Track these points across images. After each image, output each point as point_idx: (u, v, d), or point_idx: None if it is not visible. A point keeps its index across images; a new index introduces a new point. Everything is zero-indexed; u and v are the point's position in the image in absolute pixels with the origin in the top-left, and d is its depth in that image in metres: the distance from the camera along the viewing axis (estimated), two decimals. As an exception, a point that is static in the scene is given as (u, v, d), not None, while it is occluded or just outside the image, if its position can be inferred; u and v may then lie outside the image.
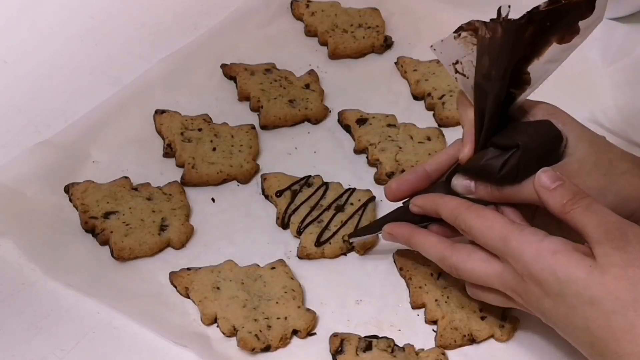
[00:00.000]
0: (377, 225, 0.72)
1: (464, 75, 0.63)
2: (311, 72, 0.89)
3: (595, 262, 0.56)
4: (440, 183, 0.68)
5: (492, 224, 0.61)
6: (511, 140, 0.63)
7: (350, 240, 0.74)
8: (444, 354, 0.68)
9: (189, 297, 0.69)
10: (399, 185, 0.69)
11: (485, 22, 0.61)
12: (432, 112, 0.88)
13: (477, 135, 0.65)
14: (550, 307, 0.58)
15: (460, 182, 0.66)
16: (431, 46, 0.63)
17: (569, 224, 0.59)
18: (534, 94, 0.65)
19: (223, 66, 0.88)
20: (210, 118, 0.82)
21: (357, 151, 0.83)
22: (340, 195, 0.77)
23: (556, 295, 0.57)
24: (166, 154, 0.80)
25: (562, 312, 0.57)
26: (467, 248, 0.63)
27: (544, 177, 0.60)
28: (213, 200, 0.78)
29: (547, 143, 0.63)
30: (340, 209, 0.76)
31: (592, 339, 0.56)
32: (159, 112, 0.82)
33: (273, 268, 0.71)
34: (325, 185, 0.78)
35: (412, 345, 0.68)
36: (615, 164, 0.64)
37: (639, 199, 0.63)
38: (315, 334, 0.69)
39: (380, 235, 0.72)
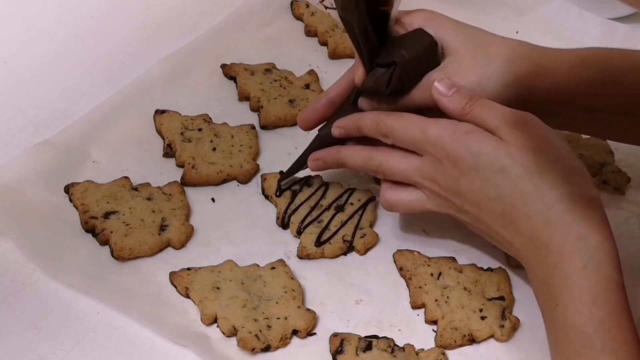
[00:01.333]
0: (301, 160, 0.76)
1: (334, 8, 0.67)
2: (311, 72, 0.89)
3: (501, 139, 0.63)
4: (347, 107, 0.73)
5: (410, 121, 0.67)
6: (389, 58, 0.68)
7: (282, 184, 0.77)
8: (444, 354, 0.68)
9: (189, 297, 0.69)
10: (307, 115, 0.76)
11: None
12: (432, 112, 0.88)
13: (362, 59, 0.69)
14: (466, 184, 0.64)
15: (364, 102, 0.72)
16: None
17: (470, 122, 0.65)
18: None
19: (223, 66, 0.88)
20: (210, 118, 0.82)
21: (357, 151, 0.83)
22: (340, 195, 0.77)
23: (470, 170, 0.64)
24: (166, 154, 0.80)
25: (477, 185, 0.64)
26: (389, 148, 0.69)
27: (439, 87, 0.67)
28: (213, 200, 0.78)
29: (421, 52, 0.68)
30: (340, 209, 0.76)
31: (504, 206, 0.63)
32: (159, 112, 0.82)
33: (273, 268, 0.71)
34: (325, 185, 0.78)
35: (412, 345, 0.68)
36: (492, 54, 0.68)
37: (516, 83, 0.67)
38: (315, 334, 0.69)
39: (309, 169, 0.76)
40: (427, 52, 0.69)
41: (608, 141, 0.85)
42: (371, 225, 0.76)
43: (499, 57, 0.67)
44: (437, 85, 0.67)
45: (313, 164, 0.75)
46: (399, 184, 0.70)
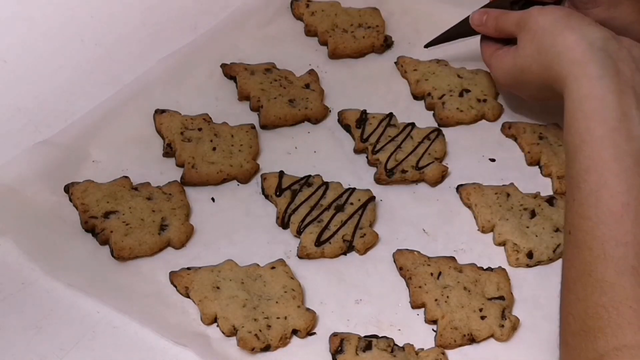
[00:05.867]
0: (453, 30, 0.88)
1: None
2: (311, 72, 0.89)
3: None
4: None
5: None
6: None
7: (428, 47, 0.90)
8: (443, 353, 0.68)
9: (188, 297, 0.69)
10: None
11: None
12: (432, 111, 0.88)
13: None
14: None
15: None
16: None
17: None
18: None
19: (223, 66, 0.88)
20: (210, 118, 0.82)
21: (357, 151, 0.83)
22: (340, 195, 0.77)
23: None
24: (166, 154, 0.80)
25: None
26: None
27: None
28: (213, 200, 0.78)
29: None
30: (340, 208, 0.76)
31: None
32: (159, 112, 0.82)
33: (273, 268, 0.71)
34: (325, 185, 0.78)
35: (412, 345, 0.68)
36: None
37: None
38: (315, 333, 0.69)
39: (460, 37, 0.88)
40: None
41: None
42: (371, 225, 0.76)
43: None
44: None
45: (477, 19, 0.83)
46: None
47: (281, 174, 0.78)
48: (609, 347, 0.57)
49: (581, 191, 0.64)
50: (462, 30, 0.87)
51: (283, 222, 0.76)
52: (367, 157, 0.82)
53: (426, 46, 0.91)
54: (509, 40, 0.81)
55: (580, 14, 0.75)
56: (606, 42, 0.69)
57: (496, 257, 0.76)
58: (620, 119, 0.64)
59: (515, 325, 0.70)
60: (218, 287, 0.69)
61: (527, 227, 0.77)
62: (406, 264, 0.73)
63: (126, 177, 0.77)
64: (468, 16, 0.85)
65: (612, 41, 0.69)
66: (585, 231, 0.62)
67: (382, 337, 0.68)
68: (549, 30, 0.73)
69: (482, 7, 0.85)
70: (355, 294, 0.72)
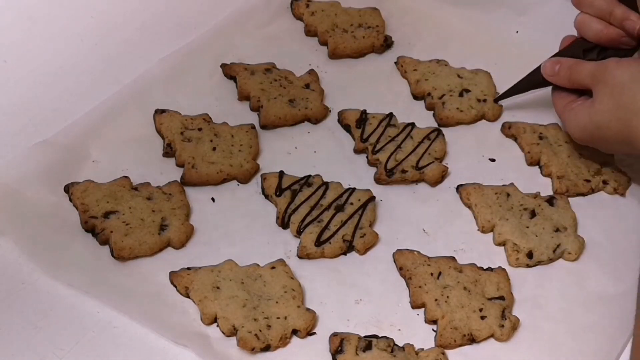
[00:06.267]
0: (525, 80, 0.86)
1: None
2: (311, 72, 0.89)
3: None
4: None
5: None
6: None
7: (498, 103, 0.88)
8: (443, 353, 0.68)
9: (189, 297, 0.69)
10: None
11: None
12: (432, 111, 0.88)
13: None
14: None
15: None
16: None
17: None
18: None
19: (223, 66, 0.88)
20: (210, 118, 0.82)
21: (357, 151, 0.83)
22: (340, 195, 0.77)
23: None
24: (166, 154, 0.80)
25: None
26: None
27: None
28: (213, 200, 0.78)
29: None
30: (340, 208, 0.76)
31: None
32: (159, 112, 0.82)
33: (273, 268, 0.71)
34: (325, 185, 0.78)
35: (412, 345, 0.68)
36: None
37: None
38: (315, 333, 0.69)
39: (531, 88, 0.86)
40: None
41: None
42: (371, 225, 0.76)
43: None
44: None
45: (549, 68, 0.81)
46: None
47: (281, 174, 0.78)
48: None
49: None
50: (533, 80, 0.84)
51: (283, 222, 0.76)
52: (367, 157, 0.82)
53: (496, 100, 0.88)
54: (583, 91, 0.79)
55: None
56: None
57: (496, 257, 0.76)
58: None
59: (515, 325, 0.70)
60: (218, 287, 0.69)
61: (527, 227, 0.77)
62: (406, 264, 0.73)
63: (126, 177, 0.77)
64: (539, 65, 0.83)
65: None
66: None
67: (382, 337, 0.68)
68: (628, 86, 0.71)
69: (553, 56, 0.83)
70: (355, 294, 0.72)
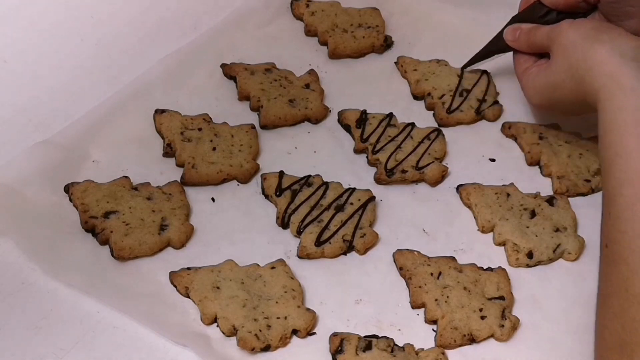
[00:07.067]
0: (488, 47, 0.87)
1: None
2: (311, 72, 0.89)
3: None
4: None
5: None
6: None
7: (466, 69, 0.89)
8: (443, 353, 0.68)
9: (188, 297, 0.69)
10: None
11: None
12: (432, 111, 0.88)
13: None
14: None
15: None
16: None
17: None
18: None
19: (223, 66, 0.88)
20: (210, 118, 0.82)
21: (357, 151, 0.83)
22: (340, 195, 0.77)
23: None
24: (166, 154, 0.80)
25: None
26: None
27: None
28: (213, 200, 0.78)
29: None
30: (340, 208, 0.76)
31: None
32: (159, 112, 0.82)
33: (273, 268, 0.71)
34: (325, 185, 0.78)
35: (412, 345, 0.68)
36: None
37: None
38: (315, 333, 0.69)
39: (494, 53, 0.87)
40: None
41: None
42: (371, 225, 0.76)
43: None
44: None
45: (511, 34, 0.83)
46: None
47: (281, 174, 0.78)
48: None
49: (617, 205, 0.63)
50: (497, 46, 0.86)
51: (283, 222, 0.76)
52: (367, 157, 0.82)
53: (463, 67, 0.90)
54: (543, 55, 0.80)
55: (611, 25, 0.74)
56: (638, 53, 0.68)
57: (496, 257, 0.76)
58: None
59: (515, 325, 0.70)
60: (218, 287, 0.69)
61: (527, 227, 0.77)
62: (406, 264, 0.73)
63: (126, 177, 0.77)
64: (501, 31, 0.84)
65: None
66: (622, 245, 0.61)
67: (382, 337, 0.68)
68: (579, 44, 0.72)
69: (513, 18, 0.84)
70: (355, 294, 0.72)
